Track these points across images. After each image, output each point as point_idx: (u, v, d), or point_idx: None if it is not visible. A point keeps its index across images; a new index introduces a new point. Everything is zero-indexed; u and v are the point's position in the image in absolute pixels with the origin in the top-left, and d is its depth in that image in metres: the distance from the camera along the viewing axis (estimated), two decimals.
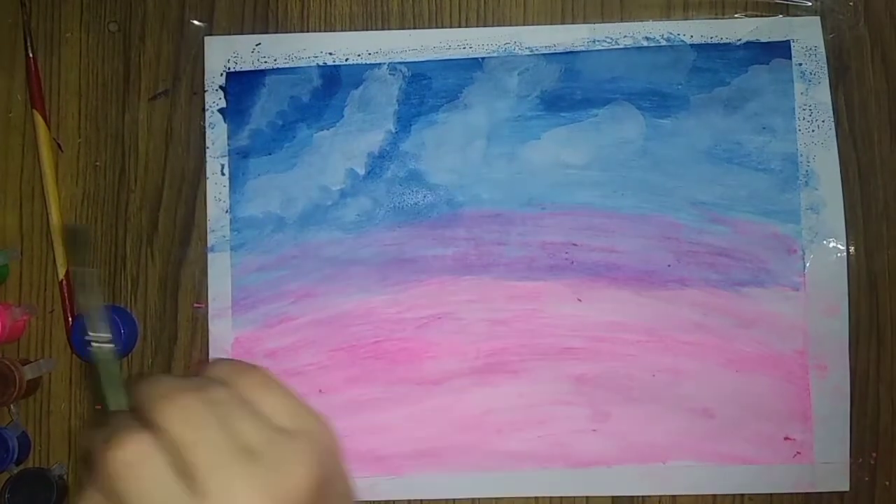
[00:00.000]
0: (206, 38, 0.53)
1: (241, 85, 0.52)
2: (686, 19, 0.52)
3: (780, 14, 0.52)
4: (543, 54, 0.52)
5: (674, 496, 0.50)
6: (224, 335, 0.51)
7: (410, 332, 0.51)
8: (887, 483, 0.50)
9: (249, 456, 0.28)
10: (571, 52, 0.52)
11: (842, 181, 0.51)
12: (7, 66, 0.53)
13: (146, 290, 0.52)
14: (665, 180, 0.51)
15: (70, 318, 0.51)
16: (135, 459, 0.26)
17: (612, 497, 0.50)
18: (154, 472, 0.27)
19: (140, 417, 0.27)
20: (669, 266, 0.50)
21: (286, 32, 0.53)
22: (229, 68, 0.52)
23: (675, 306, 0.50)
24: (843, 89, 0.51)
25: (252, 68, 0.52)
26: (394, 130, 0.52)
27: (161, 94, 0.53)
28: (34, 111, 0.52)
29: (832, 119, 0.51)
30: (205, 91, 0.52)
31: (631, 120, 0.51)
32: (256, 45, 0.53)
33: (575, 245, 0.51)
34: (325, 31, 0.53)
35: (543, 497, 0.50)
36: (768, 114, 0.51)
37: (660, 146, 0.51)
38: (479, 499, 0.50)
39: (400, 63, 0.52)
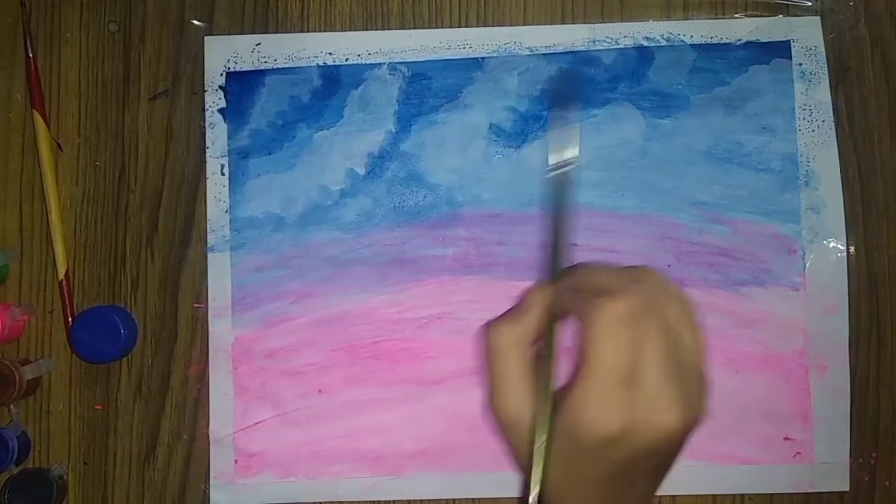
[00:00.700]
0: (206, 38, 0.53)
1: (241, 85, 0.52)
2: (686, 19, 0.52)
3: (780, 14, 0.52)
4: (543, 54, 0.52)
5: (673, 496, 0.50)
6: (224, 335, 0.51)
7: (410, 332, 0.51)
8: (887, 483, 0.50)
9: (671, 370, 0.34)
10: (571, 52, 0.52)
11: (842, 181, 0.51)
12: (7, 66, 0.53)
13: (146, 290, 0.52)
14: (665, 180, 0.51)
15: (70, 318, 0.51)
16: (619, 312, 0.33)
17: None
18: (625, 333, 0.33)
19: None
20: (669, 266, 0.50)
21: (286, 32, 0.53)
22: (229, 68, 0.52)
23: None
24: (844, 89, 0.51)
25: (252, 68, 0.52)
26: (394, 130, 0.52)
27: (161, 94, 0.53)
28: (34, 111, 0.52)
29: (832, 119, 0.51)
30: (205, 91, 0.52)
31: (631, 120, 0.51)
32: (256, 45, 0.53)
33: (575, 245, 0.51)
34: (325, 31, 0.53)
35: None
36: (768, 114, 0.51)
37: (660, 146, 0.51)
38: (478, 499, 0.50)
39: (400, 63, 0.52)
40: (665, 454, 0.36)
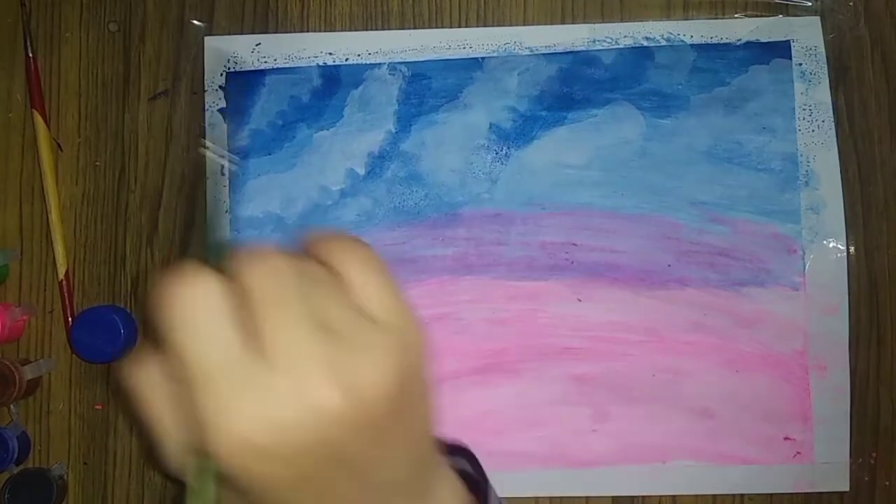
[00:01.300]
0: (206, 38, 0.53)
1: (241, 85, 0.52)
2: (686, 19, 0.52)
3: (780, 14, 0.52)
4: (543, 54, 0.52)
5: (674, 496, 0.50)
6: None
7: None
8: (887, 483, 0.50)
9: (327, 333, 0.23)
10: (571, 52, 0.52)
11: (842, 181, 0.51)
12: (7, 66, 0.53)
13: (146, 290, 0.52)
14: (665, 180, 0.51)
15: (70, 318, 0.51)
16: (193, 294, 0.23)
17: (613, 497, 0.50)
18: (209, 312, 0.23)
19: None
20: (669, 266, 0.50)
21: (286, 32, 0.53)
22: (229, 68, 0.52)
23: (675, 306, 0.50)
24: (844, 89, 0.51)
25: (252, 68, 0.52)
26: (394, 130, 0.52)
27: (161, 94, 0.53)
28: (34, 111, 0.52)
29: (832, 119, 0.51)
30: (205, 91, 0.52)
31: (631, 120, 0.51)
32: (256, 45, 0.53)
33: (575, 245, 0.51)
34: (325, 30, 0.53)
35: (543, 497, 0.50)
36: (768, 114, 0.51)
37: (660, 146, 0.51)
38: None
39: (400, 63, 0.52)
40: (371, 457, 0.24)
